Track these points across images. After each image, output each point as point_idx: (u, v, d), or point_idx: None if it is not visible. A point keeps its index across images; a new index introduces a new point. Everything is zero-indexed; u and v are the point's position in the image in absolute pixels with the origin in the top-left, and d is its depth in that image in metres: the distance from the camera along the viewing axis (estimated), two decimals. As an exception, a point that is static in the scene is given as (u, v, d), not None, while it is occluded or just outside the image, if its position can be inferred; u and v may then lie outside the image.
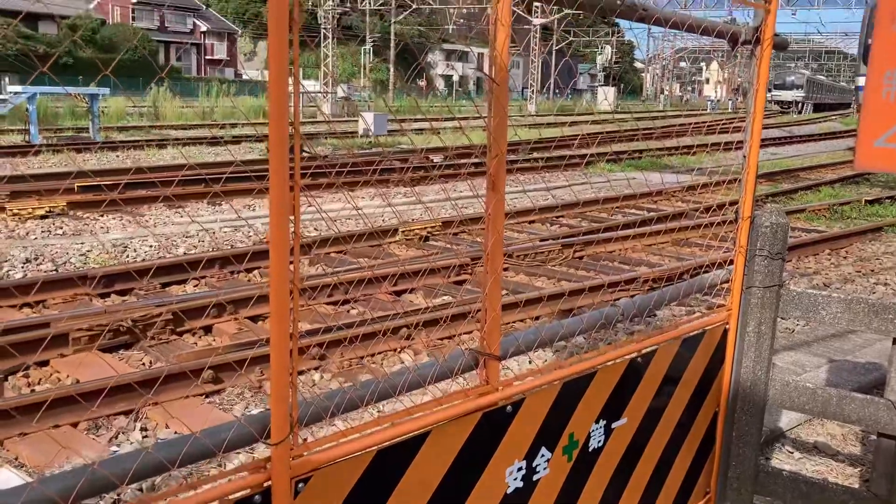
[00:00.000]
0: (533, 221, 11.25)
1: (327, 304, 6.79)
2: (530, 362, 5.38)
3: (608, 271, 8.23)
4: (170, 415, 4.54)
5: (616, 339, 5.91)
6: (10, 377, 5.13)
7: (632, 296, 7.21)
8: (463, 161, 16.50)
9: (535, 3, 2.21)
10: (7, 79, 25.89)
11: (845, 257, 9.79)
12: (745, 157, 3.29)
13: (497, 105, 2.27)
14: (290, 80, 1.82)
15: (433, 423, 2.16)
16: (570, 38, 70.82)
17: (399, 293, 7.29)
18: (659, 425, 3.07)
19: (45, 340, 5.40)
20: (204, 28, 72.00)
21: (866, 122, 2.95)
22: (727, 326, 3.37)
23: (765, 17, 3.15)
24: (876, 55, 3.01)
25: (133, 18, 65.77)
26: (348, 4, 50.39)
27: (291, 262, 1.86)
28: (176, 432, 4.42)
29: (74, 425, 4.47)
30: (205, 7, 74.44)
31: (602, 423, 2.74)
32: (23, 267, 7.78)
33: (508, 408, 2.36)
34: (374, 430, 2.05)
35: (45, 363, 5.36)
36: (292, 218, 1.89)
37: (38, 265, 7.90)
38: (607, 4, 2.50)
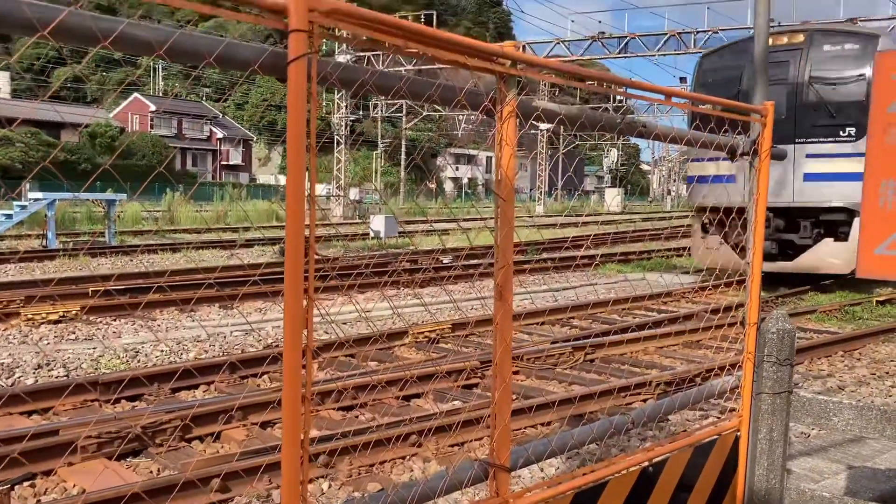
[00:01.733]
0: (543, 323, 11.25)
1: (336, 409, 6.74)
2: (542, 470, 5.30)
3: (619, 374, 8.18)
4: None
5: (629, 445, 5.82)
6: (16, 487, 5.08)
7: (644, 400, 7.15)
8: (473, 262, 16.65)
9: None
10: (27, 185, 26.59)
11: (859, 359, 9.70)
12: (748, 263, 3.35)
13: (504, 219, 2.35)
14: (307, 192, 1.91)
15: (443, 537, 2.15)
16: (577, 142, 72.48)
17: (408, 398, 7.25)
18: (673, 537, 3.02)
19: (52, 448, 5.38)
20: (220, 135, 74.21)
21: (866, 230, 3.02)
22: (739, 433, 3.35)
23: (761, 129, 3.28)
24: (870, 166, 3.11)
25: (151, 126, 67.97)
26: (360, 112, 52.01)
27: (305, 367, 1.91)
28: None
29: (79, 537, 4.40)
30: (221, 115, 76.98)
31: (615, 535, 2.70)
32: (34, 373, 7.81)
33: (519, 520, 2.34)
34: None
35: (51, 472, 5.31)
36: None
37: (49, 371, 7.92)
38: (607, 122, 2.62)
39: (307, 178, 1.99)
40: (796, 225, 14.37)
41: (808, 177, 14.02)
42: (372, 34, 1.87)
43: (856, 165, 12.75)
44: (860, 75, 13.41)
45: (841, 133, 13.70)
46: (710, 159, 14.58)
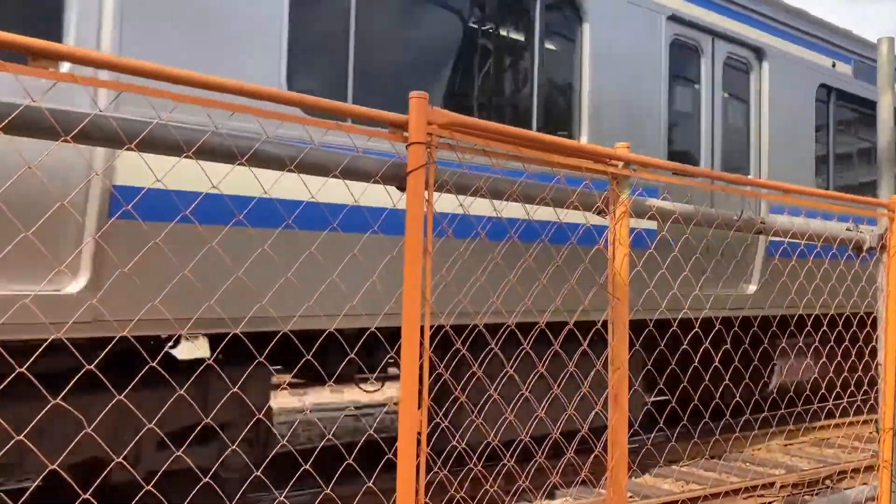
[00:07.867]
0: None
1: None
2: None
3: (740, 473, 7.76)
4: None
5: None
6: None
7: (770, 503, 6.72)
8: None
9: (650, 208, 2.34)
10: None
11: None
12: (880, 364, 3.16)
13: (618, 320, 2.33)
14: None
15: None
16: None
17: (515, 493, 7.07)
18: None
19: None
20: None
21: None
22: (878, 550, 3.09)
23: (889, 224, 3.14)
24: None
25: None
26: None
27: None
28: None
29: None
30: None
31: None
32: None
33: None
34: None
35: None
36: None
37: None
38: (724, 220, 2.59)
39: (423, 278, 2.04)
40: None
41: None
42: (486, 142, 1.94)
43: None
44: None
45: None
46: None
